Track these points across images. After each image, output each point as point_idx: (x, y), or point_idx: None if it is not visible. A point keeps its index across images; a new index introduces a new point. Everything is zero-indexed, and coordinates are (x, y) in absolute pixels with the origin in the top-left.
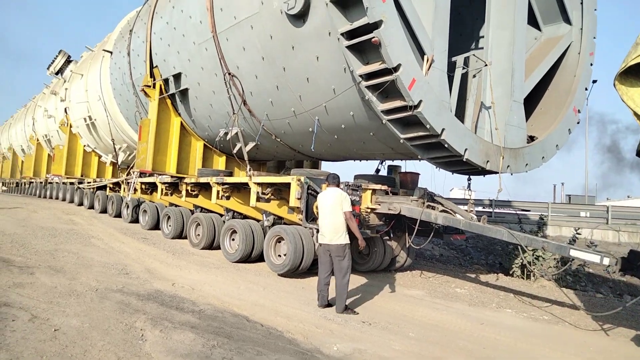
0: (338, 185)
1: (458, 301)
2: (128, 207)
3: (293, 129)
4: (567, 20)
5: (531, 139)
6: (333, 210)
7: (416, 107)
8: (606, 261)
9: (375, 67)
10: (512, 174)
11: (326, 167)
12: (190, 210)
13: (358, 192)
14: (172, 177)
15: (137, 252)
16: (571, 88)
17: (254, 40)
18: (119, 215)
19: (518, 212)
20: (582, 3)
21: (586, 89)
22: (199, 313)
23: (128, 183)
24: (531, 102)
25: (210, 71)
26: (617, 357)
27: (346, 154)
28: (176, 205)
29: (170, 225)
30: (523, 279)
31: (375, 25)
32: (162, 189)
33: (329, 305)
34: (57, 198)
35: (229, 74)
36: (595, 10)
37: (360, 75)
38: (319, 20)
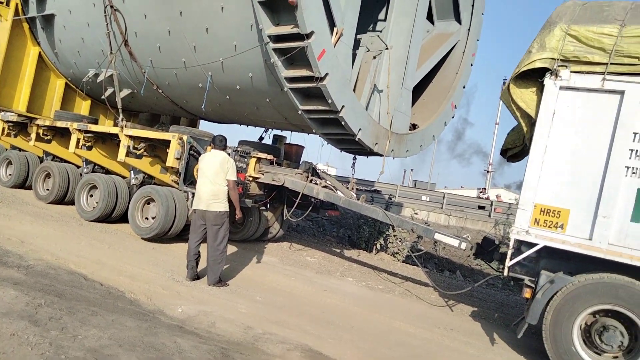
0: (224, 149)
1: (307, 269)
2: None
3: (180, 82)
4: (458, 19)
5: (413, 126)
6: (216, 175)
7: (322, 79)
8: (463, 245)
9: (287, 29)
10: (393, 158)
11: (204, 127)
12: (39, 157)
13: (246, 160)
14: (19, 115)
15: None
16: (452, 84)
17: None
18: None
19: (371, 190)
20: (473, 5)
21: (464, 87)
22: (27, 269)
23: None
24: (414, 92)
25: None
26: (423, 318)
27: (234, 117)
28: (20, 149)
29: (10, 172)
30: (367, 251)
31: None
32: (3, 128)
33: (198, 277)
34: None
35: (112, 6)
36: (482, 13)
37: (269, 36)
38: None
